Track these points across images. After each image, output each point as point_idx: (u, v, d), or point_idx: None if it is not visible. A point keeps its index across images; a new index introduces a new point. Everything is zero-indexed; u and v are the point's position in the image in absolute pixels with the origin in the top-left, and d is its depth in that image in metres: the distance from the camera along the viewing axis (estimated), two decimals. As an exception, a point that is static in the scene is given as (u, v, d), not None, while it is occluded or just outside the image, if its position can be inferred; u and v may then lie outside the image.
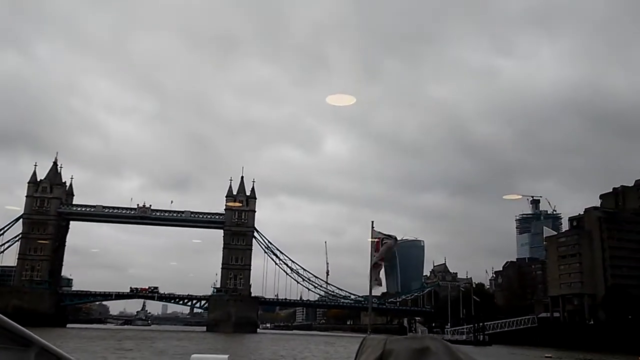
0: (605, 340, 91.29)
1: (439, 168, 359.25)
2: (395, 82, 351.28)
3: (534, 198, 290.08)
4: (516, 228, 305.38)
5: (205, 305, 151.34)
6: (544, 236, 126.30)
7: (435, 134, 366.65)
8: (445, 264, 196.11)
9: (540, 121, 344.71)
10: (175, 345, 52.57)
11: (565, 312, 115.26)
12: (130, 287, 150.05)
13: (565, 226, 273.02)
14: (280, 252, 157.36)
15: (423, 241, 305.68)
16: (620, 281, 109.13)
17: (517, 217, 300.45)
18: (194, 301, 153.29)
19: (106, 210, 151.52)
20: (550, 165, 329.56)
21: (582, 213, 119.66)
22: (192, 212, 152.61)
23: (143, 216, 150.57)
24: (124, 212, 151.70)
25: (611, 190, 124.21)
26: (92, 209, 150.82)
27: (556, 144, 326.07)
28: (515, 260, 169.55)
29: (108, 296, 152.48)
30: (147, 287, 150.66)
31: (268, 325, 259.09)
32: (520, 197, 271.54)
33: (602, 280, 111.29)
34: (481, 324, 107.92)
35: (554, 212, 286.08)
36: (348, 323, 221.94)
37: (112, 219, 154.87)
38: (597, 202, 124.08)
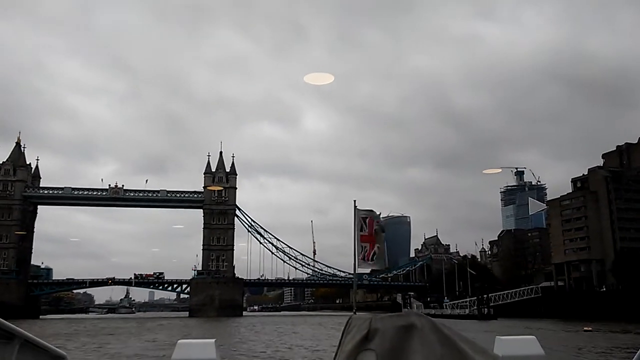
0: (618, 308, 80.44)
1: (422, 141, 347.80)
2: (374, 53, 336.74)
3: (518, 170, 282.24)
4: (501, 200, 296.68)
5: (187, 290, 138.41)
6: (547, 200, 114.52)
7: (417, 105, 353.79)
8: (437, 236, 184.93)
9: (522, 89, 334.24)
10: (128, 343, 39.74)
11: (571, 280, 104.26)
12: (135, 274, 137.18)
13: (550, 196, 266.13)
14: (265, 230, 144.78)
15: (409, 217, 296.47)
16: (630, 244, 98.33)
17: (502, 189, 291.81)
18: (175, 285, 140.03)
19: (76, 193, 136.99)
20: (534, 135, 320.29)
21: (586, 173, 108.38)
22: (168, 192, 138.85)
23: (116, 197, 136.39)
24: (95, 193, 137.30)
25: (614, 148, 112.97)
26: (61, 192, 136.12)
27: (539, 112, 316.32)
28: (509, 229, 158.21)
29: (81, 284, 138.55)
30: (152, 273, 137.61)
31: (255, 307, 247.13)
32: (500, 170, 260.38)
33: (611, 244, 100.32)
34: (485, 296, 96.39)
35: (538, 183, 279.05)
36: (337, 301, 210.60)
37: (83, 201, 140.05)
38: (582, 172, 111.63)
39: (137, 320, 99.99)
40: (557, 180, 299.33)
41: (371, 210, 11.14)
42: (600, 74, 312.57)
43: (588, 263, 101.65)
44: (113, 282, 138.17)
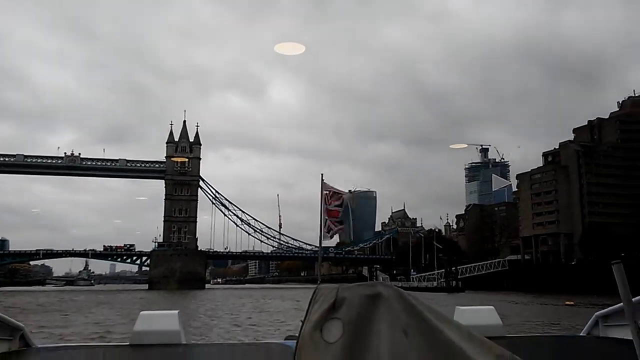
0: (584, 282, 78.69)
1: (392, 116, 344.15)
2: (347, 24, 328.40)
3: (483, 147, 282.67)
4: (465, 177, 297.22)
5: (146, 262, 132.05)
6: (517, 174, 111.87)
7: (388, 80, 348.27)
8: (404, 210, 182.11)
9: (494, 67, 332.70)
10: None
11: (539, 254, 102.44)
12: (104, 246, 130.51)
13: (513, 175, 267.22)
14: (230, 202, 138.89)
15: (375, 192, 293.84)
16: (599, 219, 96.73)
17: (467, 166, 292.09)
18: (135, 258, 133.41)
19: (29, 160, 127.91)
20: (502, 113, 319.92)
21: (557, 147, 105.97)
22: (128, 161, 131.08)
23: (72, 166, 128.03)
24: (50, 162, 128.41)
25: (586, 123, 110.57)
26: (13, 159, 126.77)
27: (509, 90, 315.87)
28: (476, 203, 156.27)
29: (35, 255, 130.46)
30: (122, 245, 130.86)
31: (219, 280, 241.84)
32: (467, 145, 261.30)
33: (580, 218, 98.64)
34: (453, 268, 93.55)
35: (502, 160, 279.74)
36: (302, 274, 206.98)
37: (37, 169, 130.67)
38: (541, 153, 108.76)
39: (85, 293, 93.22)
40: (521, 158, 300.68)
41: (341, 191, 10.92)
42: (572, 53, 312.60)
43: (556, 237, 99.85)
44: (69, 254, 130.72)
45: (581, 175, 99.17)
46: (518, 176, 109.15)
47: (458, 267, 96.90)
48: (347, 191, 12.78)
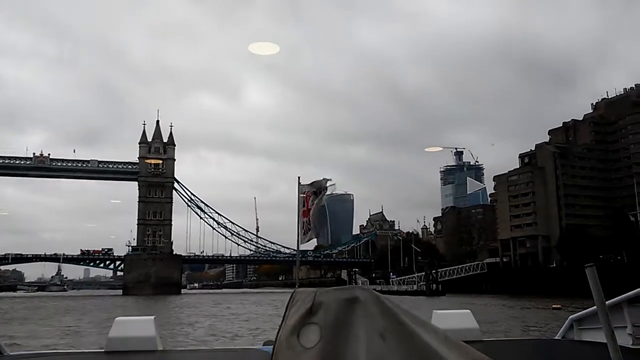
0: (564, 284, 77.91)
1: (367, 118, 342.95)
2: (321, 25, 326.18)
3: (458, 150, 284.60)
4: (440, 180, 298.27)
5: (120, 267, 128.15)
6: (494, 176, 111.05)
7: (362, 81, 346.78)
8: (382, 212, 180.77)
9: (468, 69, 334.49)
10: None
11: (517, 256, 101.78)
12: (81, 250, 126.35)
13: (487, 177, 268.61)
14: (206, 204, 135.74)
15: (352, 195, 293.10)
16: (575, 221, 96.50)
17: (442, 169, 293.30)
18: (108, 262, 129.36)
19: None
20: (476, 115, 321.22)
21: (534, 149, 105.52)
22: (99, 162, 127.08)
23: (41, 167, 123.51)
24: (17, 162, 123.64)
25: (560, 125, 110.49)
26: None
27: (483, 92, 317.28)
28: (453, 206, 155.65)
29: (3, 260, 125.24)
30: (100, 249, 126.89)
31: (196, 285, 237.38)
32: (441, 149, 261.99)
33: (557, 220, 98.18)
34: (434, 272, 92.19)
35: (477, 164, 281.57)
36: (280, 278, 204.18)
37: (3, 170, 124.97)
38: (515, 157, 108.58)
39: (55, 299, 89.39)
40: (495, 161, 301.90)
41: (322, 180, 10.73)
42: (545, 55, 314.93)
43: (534, 239, 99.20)
44: (40, 258, 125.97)
45: (557, 176, 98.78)
46: (495, 178, 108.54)
47: (438, 270, 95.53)
48: (322, 179, 10.99)
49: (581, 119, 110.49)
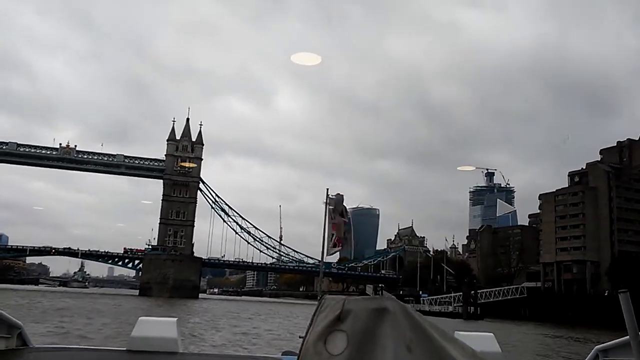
0: (615, 315, 67.54)
1: (396, 132, 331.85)
2: (354, 34, 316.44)
3: (489, 171, 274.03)
4: (469, 200, 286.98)
5: (139, 266, 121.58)
6: (540, 194, 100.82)
7: (393, 94, 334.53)
8: (412, 227, 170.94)
9: (501, 85, 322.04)
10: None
11: (561, 282, 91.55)
12: (124, 248, 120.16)
13: (517, 200, 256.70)
14: (230, 207, 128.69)
15: (378, 209, 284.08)
16: (629, 248, 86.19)
17: (471, 189, 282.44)
18: (127, 260, 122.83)
19: (22, 150, 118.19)
20: (507, 135, 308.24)
21: (584, 167, 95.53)
22: (125, 157, 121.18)
23: (66, 158, 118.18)
24: (45, 152, 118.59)
25: (615, 144, 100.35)
26: (5, 147, 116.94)
27: (515, 111, 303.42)
28: (489, 225, 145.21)
29: (22, 251, 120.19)
30: (143, 249, 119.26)
31: (215, 290, 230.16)
32: (474, 168, 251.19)
33: (608, 245, 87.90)
34: (472, 292, 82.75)
35: (507, 186, 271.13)
36: (301, 289, 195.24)
37: (29, 159, 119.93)
38: (550, 178, 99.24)
39: (79, 295, 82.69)
40: (526, 184, 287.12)
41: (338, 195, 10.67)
42: (580, 77, 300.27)
43: (582, 264, 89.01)
44: (58, 252, 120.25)
45: (611, 198, 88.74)
46: (541, 196, 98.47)
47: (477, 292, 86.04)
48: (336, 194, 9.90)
49: (637, 138, 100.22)
